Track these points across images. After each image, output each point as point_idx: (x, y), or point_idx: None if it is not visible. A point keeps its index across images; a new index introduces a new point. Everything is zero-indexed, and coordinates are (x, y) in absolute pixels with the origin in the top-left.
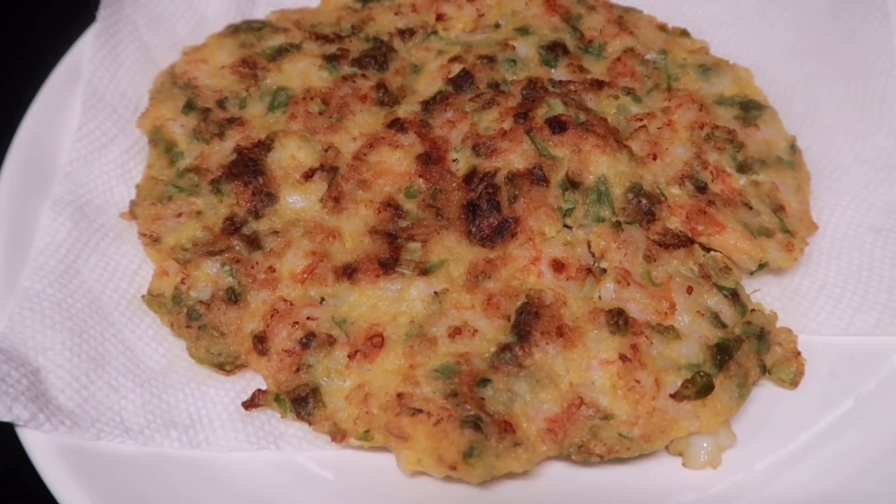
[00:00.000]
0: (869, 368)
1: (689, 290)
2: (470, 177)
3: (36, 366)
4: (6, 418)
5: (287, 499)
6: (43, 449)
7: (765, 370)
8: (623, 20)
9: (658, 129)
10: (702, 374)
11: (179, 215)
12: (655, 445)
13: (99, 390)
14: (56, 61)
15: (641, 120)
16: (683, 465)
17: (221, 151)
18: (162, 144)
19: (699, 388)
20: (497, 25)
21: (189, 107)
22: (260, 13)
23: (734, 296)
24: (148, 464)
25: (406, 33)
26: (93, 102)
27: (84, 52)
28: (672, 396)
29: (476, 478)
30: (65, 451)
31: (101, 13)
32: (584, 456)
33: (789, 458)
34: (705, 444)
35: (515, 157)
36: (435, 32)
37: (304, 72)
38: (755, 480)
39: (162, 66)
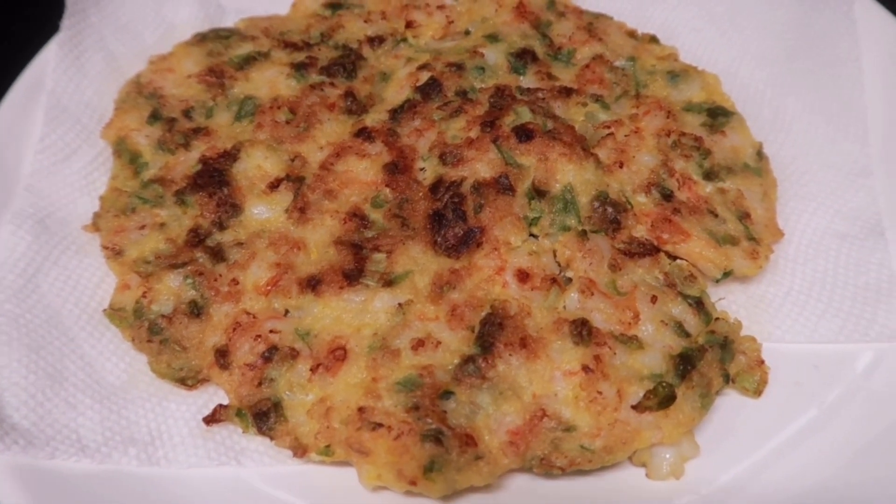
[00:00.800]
0: (832, 376)
1: (654, 299)
2: (436, 186)
3: None
4: None
5: None
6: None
7: (728, 379)
8: (593, 27)
9: (625, 136)
10: (664, 384)
11: (143, 227)
12: (617, 457)
13: (55, 408)
14: (19, 72)
15: (609, 127)
16: (647, 475)
17: (186, 162)
18: (126, 155)
19: (661, 398)
20: (467, 32)
21: (154, 117)
22: (229, 21)
23: (699, 304)
24: (104, 482)
25: (375, 41)
26: (55, 113)
27: (48, 62)
28: (634, 407)
29: (437, 492)
30: (18, 472)
31: (66, 22)
32: (545, 469)
33: (753, 468)
34: (668, 455)
35: (482, 165)
36: (404, 40)
37: (271, 80)
38: (718, 490)
39: (128, 75)
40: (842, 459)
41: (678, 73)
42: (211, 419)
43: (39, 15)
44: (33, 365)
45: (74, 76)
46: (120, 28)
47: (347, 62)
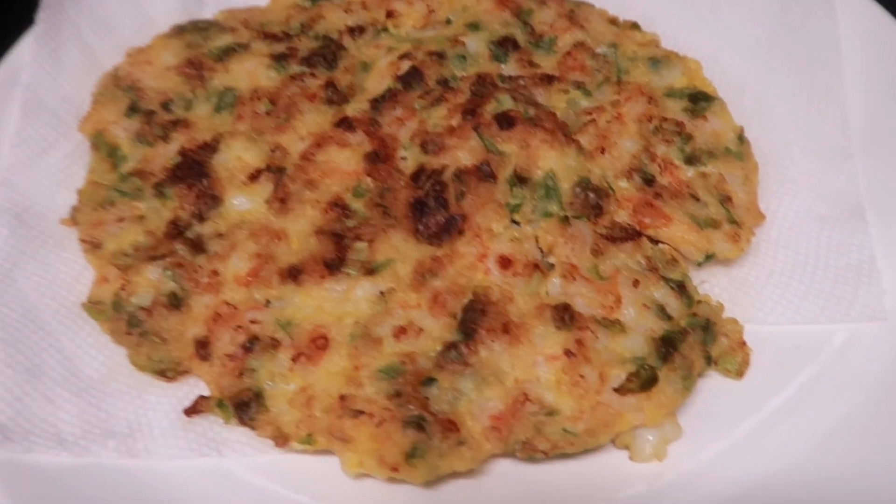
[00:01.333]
0: (814, 356)
1: (636, 283)
2: (418, 174)
3: None
4: None
5: None
6: None
7: (710, 361)
8: (574, 14)
9: (607, 122)
10: (646, 367)
11: (121, 220)
12: (600, 440)
13: (33, 402)
14: None
15: (591, 114)
16: (630, 458)
17: (165, 154)
18: (104, 148)
19: (643, 381)
20: (448, 21)
21: (133, 109)
22: (208, 13)
23: (681, 288)
24: (84, 475)
25: (356, 31)
26: (32, 107)
27: (23, 56)
28: (616, 390)
29: (419, 478)
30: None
31: (41, 15)
32: (528, 453)
33: (734, 448)
34: (650, 437)
35: (463, 153)
36: (385, 29)
37: (251, 72)
38: (702, 470)
39: (106, 68)
40: (819, 436)
41: (659, 59)
42: (192, 410)
43: (15, 8)
44: (10, 359)
45: (51, 69)
46: (97, 21)
47: (328, 52)
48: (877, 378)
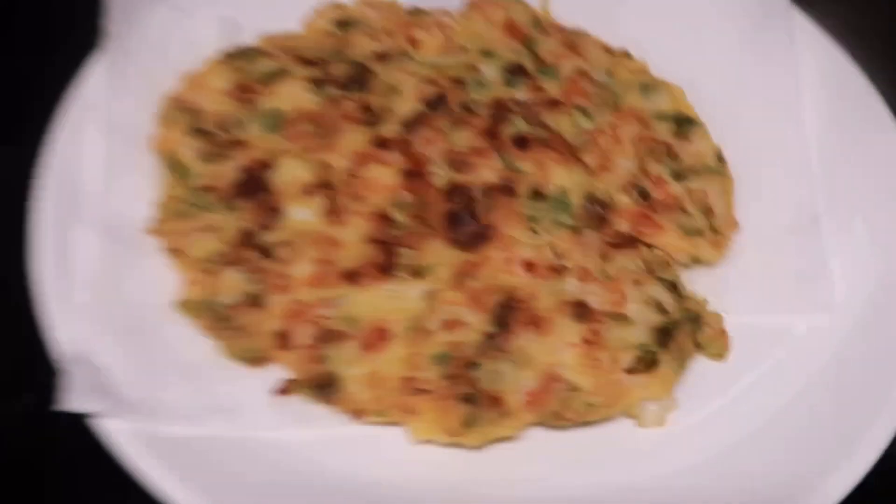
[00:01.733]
0: (777, 342)
1: (637, 282)
2: (451, 191)
3: (98, 367)
4: (86, 410)
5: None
6: (122, 435)
7: (698, 347)
8: (573, 43)
9: (607, 143)
10: (649, 351)
11: (200, 230)
12: (614, 411)
13: (156, 385)
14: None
15: (592, 135)
16: (637, 424)
17: (228, 171)
18: (174, 166)
19: (647, 363)
20: (464, 49)
21: (194, 130)
22: (246, 38)
23: (673, 286)
24: (205, 445)
25: (383, 57)
26: (109, 130)
27: (92, 81)
28: (626, 371)
29: (474, 441)
30: (139, 437)
31: (108, 42)
32: (558, 421)
33: (715, 414)
34: (653, 409)
35: (487, 171)
36: (409, 56)
37: (294, 95)
38: (689, 431)
39: (163, 91)
40: (784, 406)
41: (649, 85)
42: (281, 391)
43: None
44: (127, 350)
45: (120, 93)
46: (152, 47)
47: (359, 77)
48: (827, 360)
